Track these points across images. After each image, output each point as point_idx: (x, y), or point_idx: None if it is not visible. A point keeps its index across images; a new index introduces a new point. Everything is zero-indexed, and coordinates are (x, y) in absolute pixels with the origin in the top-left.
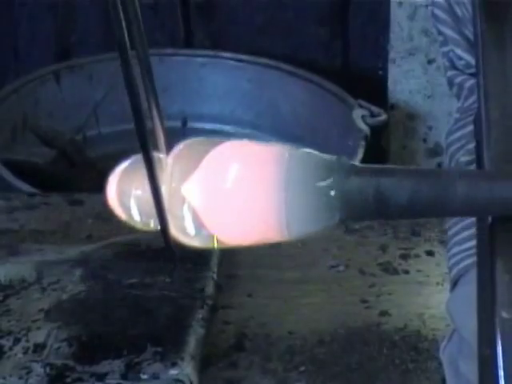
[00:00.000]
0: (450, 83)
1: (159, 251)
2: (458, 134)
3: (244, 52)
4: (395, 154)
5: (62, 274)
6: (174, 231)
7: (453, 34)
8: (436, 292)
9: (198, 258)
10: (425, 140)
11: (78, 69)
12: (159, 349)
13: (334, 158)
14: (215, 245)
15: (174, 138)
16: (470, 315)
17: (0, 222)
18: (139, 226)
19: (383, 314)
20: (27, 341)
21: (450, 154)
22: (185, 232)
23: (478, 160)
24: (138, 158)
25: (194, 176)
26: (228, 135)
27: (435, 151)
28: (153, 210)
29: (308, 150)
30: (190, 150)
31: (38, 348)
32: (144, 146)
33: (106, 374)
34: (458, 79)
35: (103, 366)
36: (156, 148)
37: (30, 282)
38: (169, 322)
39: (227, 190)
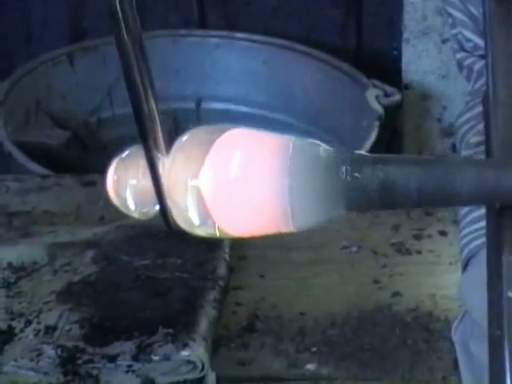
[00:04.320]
0: (460, 65)
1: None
2: (468, 115)
3: (258, 33)
4: (409, 134)
5: (74, 255)
6: (178, 220)
7: (461, 16)
8: (448, 272)
9: (210, 239)
10: (439, 120)
11: (91, 51)
12: (171, 330)
13: (337, 148)
14: (218, 234)
15: (188, 119)
16: (480, 296)
17: (13, 203)
18: (135, 215)
19: (395, 294)
20: (38, 323)
21: (460, 135)
22: (189, 222)
23: (487, 140)
24: (134, 149)
25: (200, 166)
26: (242, 116)
27: (450, 131)
28: (147, 199)
29: (312, 140)
30: (193, 139)
31: (50, 330)
32: (140, 122)
33: (117, 356)
34: (467, 61)
35: (114, 348)
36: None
37: (42, 264)
38: (180, 304)
39: (233, 180)
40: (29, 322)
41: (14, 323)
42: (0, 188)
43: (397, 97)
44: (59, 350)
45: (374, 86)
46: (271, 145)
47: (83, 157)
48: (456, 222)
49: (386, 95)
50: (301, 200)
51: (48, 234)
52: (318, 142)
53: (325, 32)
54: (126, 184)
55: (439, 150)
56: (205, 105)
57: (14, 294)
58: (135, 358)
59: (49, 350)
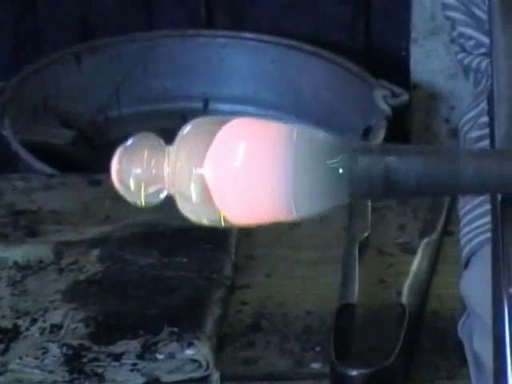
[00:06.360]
0: (461, 66)
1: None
2: (471, 113)
3: (266, 32)
4: (417, 134)
5: (80, 254)
6: (182, 210)
7: (461, 16)
8: (454, 271)
9: (216, 238)
10: (447, 120)
11: (98, 50)
12: (176, 329)
13: (341, 137)
14: (223, 223)
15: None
16: (484, 292)
17: (19, 202)
18: (139, 203)
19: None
20: (44, 321)
21: (463, 133)
22: (194, 211)
23: (491, 137)
24: (138, 138)
25: (203, 155)
26: (250, 116)
27: (457, 132)
28: (152, 188)
29: (315, 129)
30: (197, 130)
31: (55, 328)
32: None
33: (122, 354)
34: (466, 60)
35: (119, 346)
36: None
37: (48, 262)
38: (186, 303)
39: (237, 168)
40: (34, 321)
41: (20, 321)
42: (6, 187)
43: (404, 97)
44: (64, 349)
45: (382, 87)
46: (274, 133)
47: (90, 156)
48: None
49: (394, 95)
50: (304, 189)
51: (54, 232)
52: (321, 131)
53: (333, 31)
54: (129, 173)
55: None
56: (212, 105)
57: (19, 293)
58: (140, 357)
59: (54, 349)
